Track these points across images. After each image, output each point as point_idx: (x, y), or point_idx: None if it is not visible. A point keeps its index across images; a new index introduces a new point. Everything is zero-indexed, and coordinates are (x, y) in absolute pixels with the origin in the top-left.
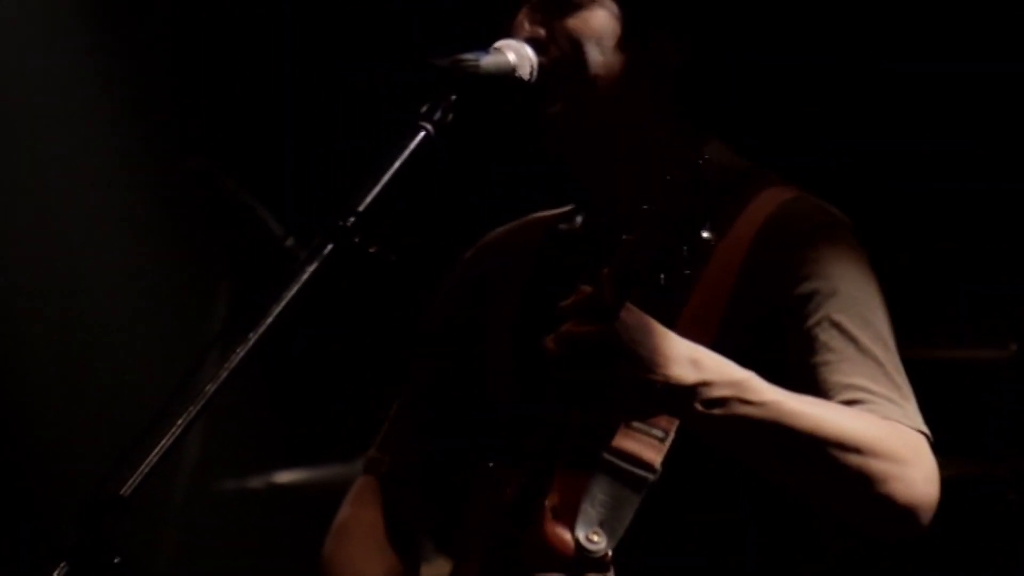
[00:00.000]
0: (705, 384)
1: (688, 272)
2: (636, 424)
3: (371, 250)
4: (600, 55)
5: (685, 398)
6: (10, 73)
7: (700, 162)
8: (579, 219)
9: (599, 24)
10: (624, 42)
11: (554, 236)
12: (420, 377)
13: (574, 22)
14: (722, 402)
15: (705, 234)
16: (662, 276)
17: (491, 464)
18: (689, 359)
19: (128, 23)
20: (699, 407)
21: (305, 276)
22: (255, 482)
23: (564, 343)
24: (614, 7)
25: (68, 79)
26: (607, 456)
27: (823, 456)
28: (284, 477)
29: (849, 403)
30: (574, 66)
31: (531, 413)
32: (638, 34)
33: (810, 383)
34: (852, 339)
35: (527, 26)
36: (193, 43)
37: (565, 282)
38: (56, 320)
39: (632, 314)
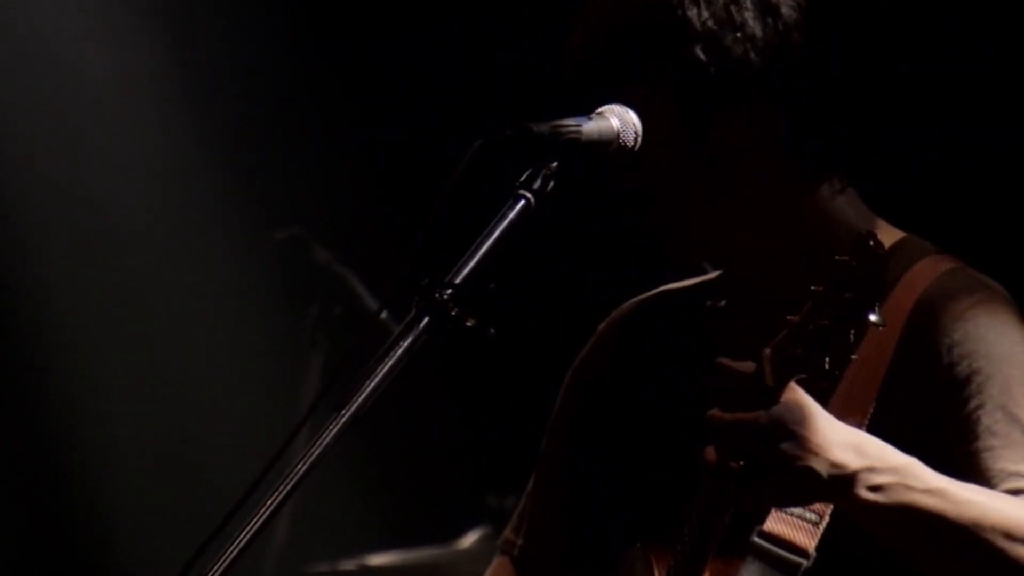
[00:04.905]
0: (868, 470)
1: (854, 357)
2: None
3: (468, 323)
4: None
5: (848, 484)
6: (112, 148)
7: (871, 243)
8: (722, 297)
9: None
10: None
11: (701, 312)
12: (556, 455)
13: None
14: (885, 488)
15: (873, 318)
16: (827, 360)
17: (639, 545)
18: (851, 444)
19: (223, 96)
20: (862, 493)
21: (400, 351)
22: (347, 564)
23: (723, 427)
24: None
25: (166, 152)
26: (759, 541)
27: (989, 546)
28: (377, 559)
29: (1015, 492)
30: None
31: (675, 494)
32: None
33: (972, 470)
34: (1016, 423)
35: None
36: (289, 114)
37: (713, 361)
38: (147, 392)
39: (794, 396)
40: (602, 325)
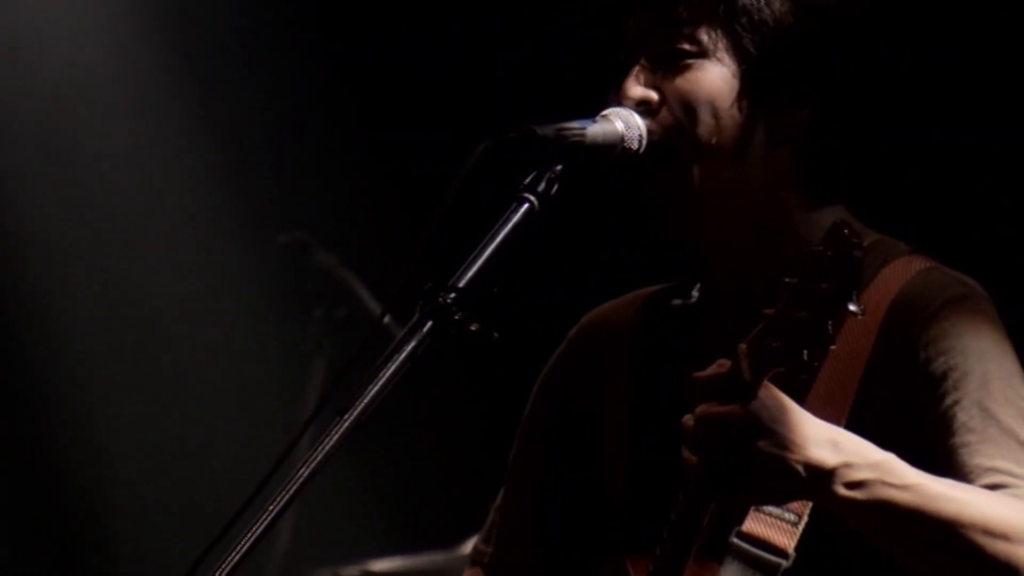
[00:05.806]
0: (846, 466)
1: (834, 348)
2: (767, 507)
3: (472, 327)
4: (714, 119)
5: (826, 481)
6: (114, 152)
7: (846, 231)
8: (695, 293)
9: (713, 85)
10: (741, 103)
11: (668, 312)
12: (526, 463)
13: (685, 83)
14: (864, 485)
15: (852, 307)
16: (805, 352)
17: (619, 552)
18: (828, 440)
19: (226, 99)
20: (840, 490)
21: (403, 355)
22: (350, 570)
23: (702, 424)
24: (731, 64)
25: (169, 155)
26: (737, 542)
27: (968, 542)
28: (379, 565)
29: (992, 487)
30: (686, 133)
31: (652, 498)
32: (757, 95)
33: (948, 466)
34: (993, 418)
35: (636, 89)
36: (292, 117)
37: (684, 360)
38: (150, 395)
39: (770, 392)
40: (572, 330)
